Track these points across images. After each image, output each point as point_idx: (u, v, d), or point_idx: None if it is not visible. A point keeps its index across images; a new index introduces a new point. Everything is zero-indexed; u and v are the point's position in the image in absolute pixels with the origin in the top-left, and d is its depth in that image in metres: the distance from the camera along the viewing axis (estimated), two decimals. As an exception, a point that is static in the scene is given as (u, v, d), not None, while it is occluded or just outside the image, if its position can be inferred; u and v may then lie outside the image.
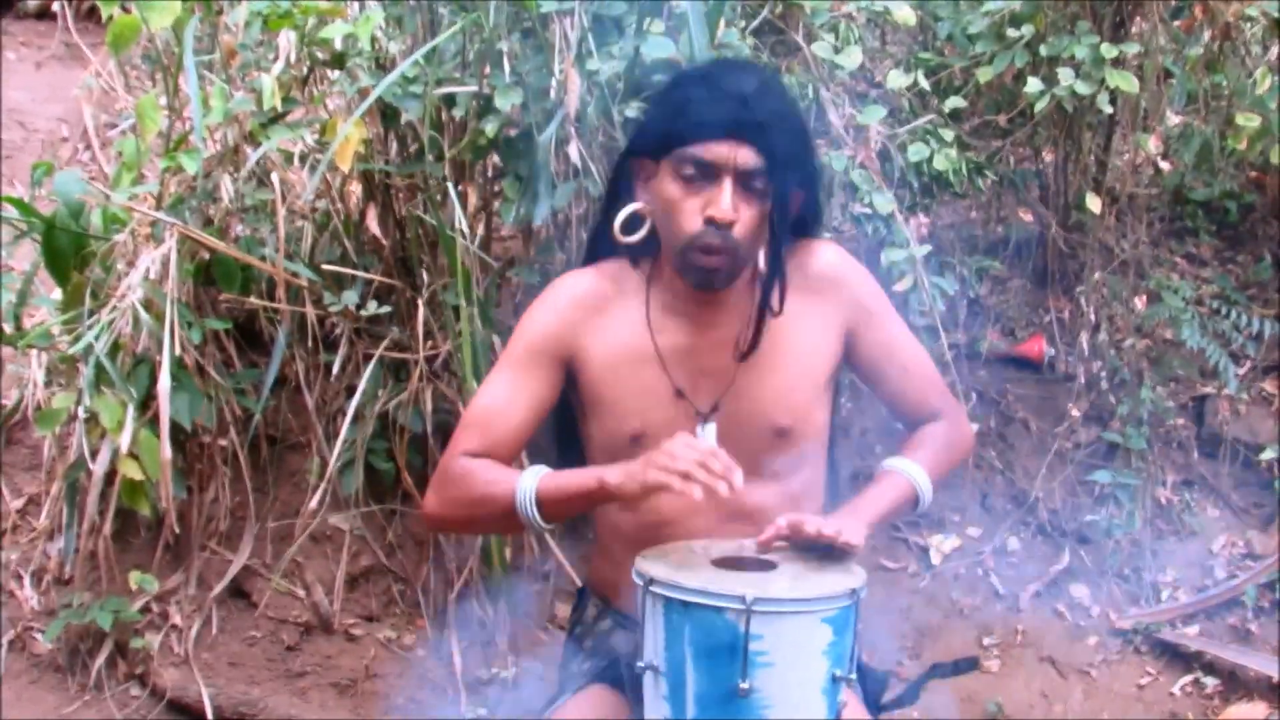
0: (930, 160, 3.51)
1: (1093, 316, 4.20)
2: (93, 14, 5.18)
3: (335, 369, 3.65)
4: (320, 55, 3.45)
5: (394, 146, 3.60)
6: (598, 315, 2.40)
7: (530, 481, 2.25)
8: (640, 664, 2.12)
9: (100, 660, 3.49)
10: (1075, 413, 4.21)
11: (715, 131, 2.22)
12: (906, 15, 3.52)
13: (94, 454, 3.38)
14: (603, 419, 2.41)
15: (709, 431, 2.38)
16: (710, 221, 2.23)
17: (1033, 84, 3.59)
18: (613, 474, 2.19)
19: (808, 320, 2.41)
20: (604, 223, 2.45)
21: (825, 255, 2.45)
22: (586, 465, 2.46)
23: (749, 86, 2.25)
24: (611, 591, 2.52)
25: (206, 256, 3.49)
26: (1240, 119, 3.90)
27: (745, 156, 2.22)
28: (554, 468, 2.32)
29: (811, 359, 2.42)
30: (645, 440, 2.33)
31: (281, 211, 3.41)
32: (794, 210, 2.36)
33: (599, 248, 2.49)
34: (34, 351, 3.60)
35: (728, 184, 2.23)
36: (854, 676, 2.16)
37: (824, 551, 2.22)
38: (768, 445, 2.39)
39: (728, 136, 2.22)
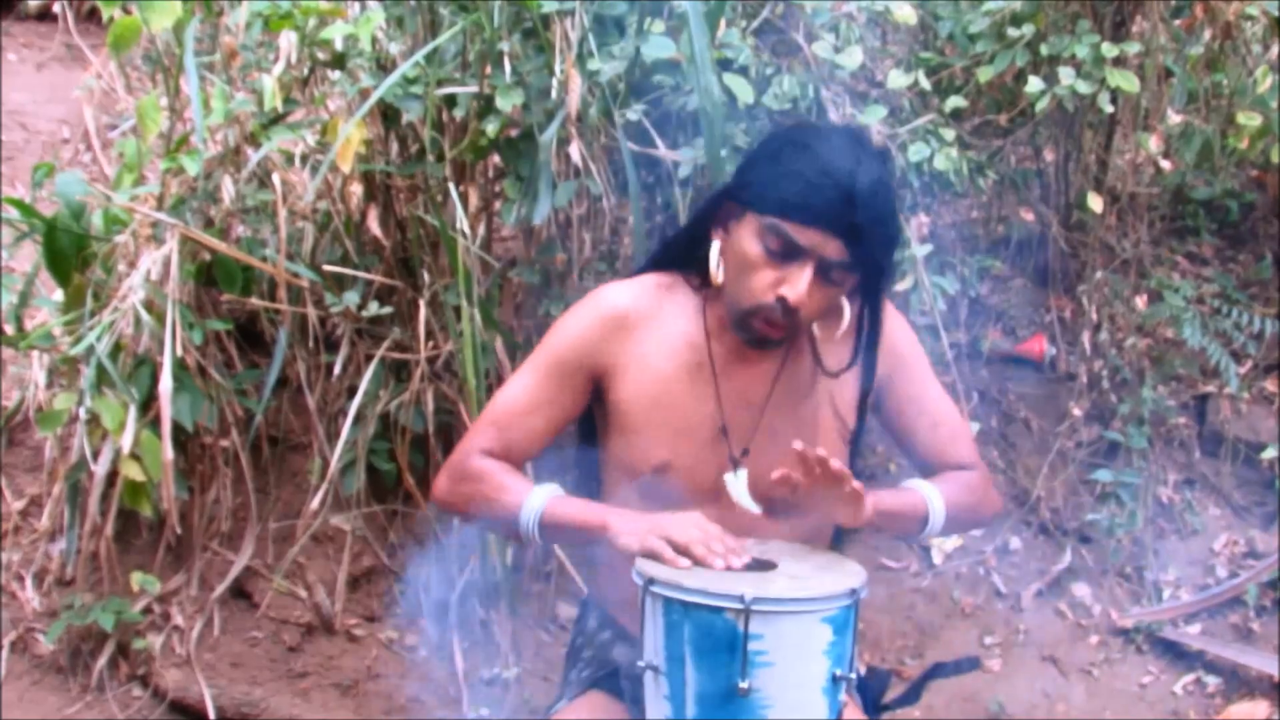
0: (931, 160, 3.50)
1: (1094, 315, 4.20)
2: (93, 15, 5.19)
3: (336, 369, 3.65)
4: (321, 56, 3.45)
5: (395, 147, 3.60)
6: (637, 331, 2.36)
7: (539, 502, 2.25)
8: (641, 663, 2.12)
9: (102, 661, 3.49)
10: (1076, 412, 4.21)
11: (813, 218, 2.17)
12: (907, 15, 3.52)
13: (95, 455, 3.38)
14: (628, 443, 2.37)
15: (740, 478, 2.35)
16: (781, 300, 2.20)
17: (1033, 83, 3.59)
18: (619, 523, 2.20)
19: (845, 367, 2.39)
20: (680, 244, 2.43)
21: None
22: (602, 484, 2.47)
23: (862, 181, 2.16)
24: (613, 605, 2.52)
25: (208, 257, 3.49)
26: (1241, 118, 3.90)
27: (834, 249, 2.18)
28: (573, 479, 2.32)
29: (843, 406, 2.40)
30: (670, 473, 2.33)
31: (282, 212, 3.41)
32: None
33: (661, 259, 2.47)
34: (35, 352, 3.61)
35: (809, 271, 2.19)
36: (854, 676, 2.15)
37: (824, 552, 2.22)
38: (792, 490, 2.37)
39: (821, 225, 2.17)
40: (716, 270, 2.30)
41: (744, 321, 2.26)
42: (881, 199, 2.20)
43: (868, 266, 2.24)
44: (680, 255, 2.40)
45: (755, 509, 2.33)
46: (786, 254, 2.19)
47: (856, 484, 2.15)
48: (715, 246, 2.32)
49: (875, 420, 2.50)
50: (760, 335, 2.27)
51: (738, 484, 2.35)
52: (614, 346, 2.36)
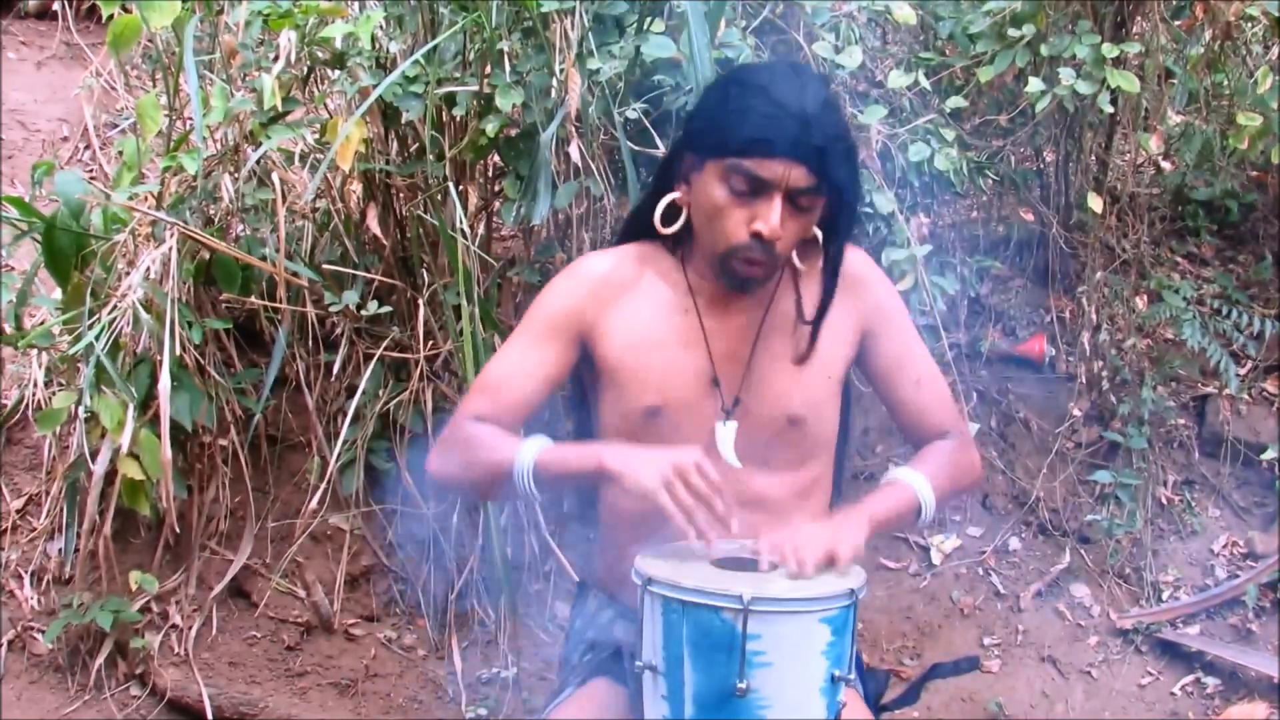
0: (931, 160, 3.50)
1: (1094, 316, 4.20)
2: (93, 14, 5.18)
3: (336, 369, 3.65)
4: (321, 55, 3.45)
5: (394, 146, 3.60)
6: (620, 294, 2.39)
7: (530, 452, 2.24)
8: (639, 663, 2.12)
9: (100, 660, 3.49)
10: (1076, 412, 4.21)
11: (773, 149, 2.19)
12: (907, 15, 3.52)
13: (94, 454, 3.38)
14: (620, 390, 2.39)
15: (729, 429, 2.37)
16: (755, 235, 2.23)
17: (1034, 83, 3.58)
18: (613, 458, 2.18)
19: (828, 316, 2.41)
20: (644, 209, 2.45)
21: (852, 258, 2.43)
22: (595, 438, 2.47)
23: (810, 104, 2.20)
24: (614, 583, 2.51)
25: (207, 256, 3.49)
26: (1241, 118, 3.90)
27: (798, 176, 2.20)
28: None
29: (828, 354, 2.41)
30: (661, 415, 2.35)
31: (282, 211, 3.41)
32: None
33: (632, 230, 2.49)
34: (34, 351, 3.61)
35: (778, 201, 2.21)
36: (853, 676, 2.15)
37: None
38: (781, 434, 2.39)
39: (784, 154, 2.19)
40: (669, 218, 2.35)
41: (724, 265, 2.29)
42: (833, 119, 2.25)
43: (834, 188, 2.26)
44: (649, 222, 2.40)
45: (736, 463, 2.35)
46: (753, 190, 2.22)
47: (849, 545, 2.17)
48: (668, 197, 2.35)
49: (859, 373, 2.53)
50: (743, 276, 2.29)
51: (726, 435, 2.37)
52: (598, 306, 2.39)
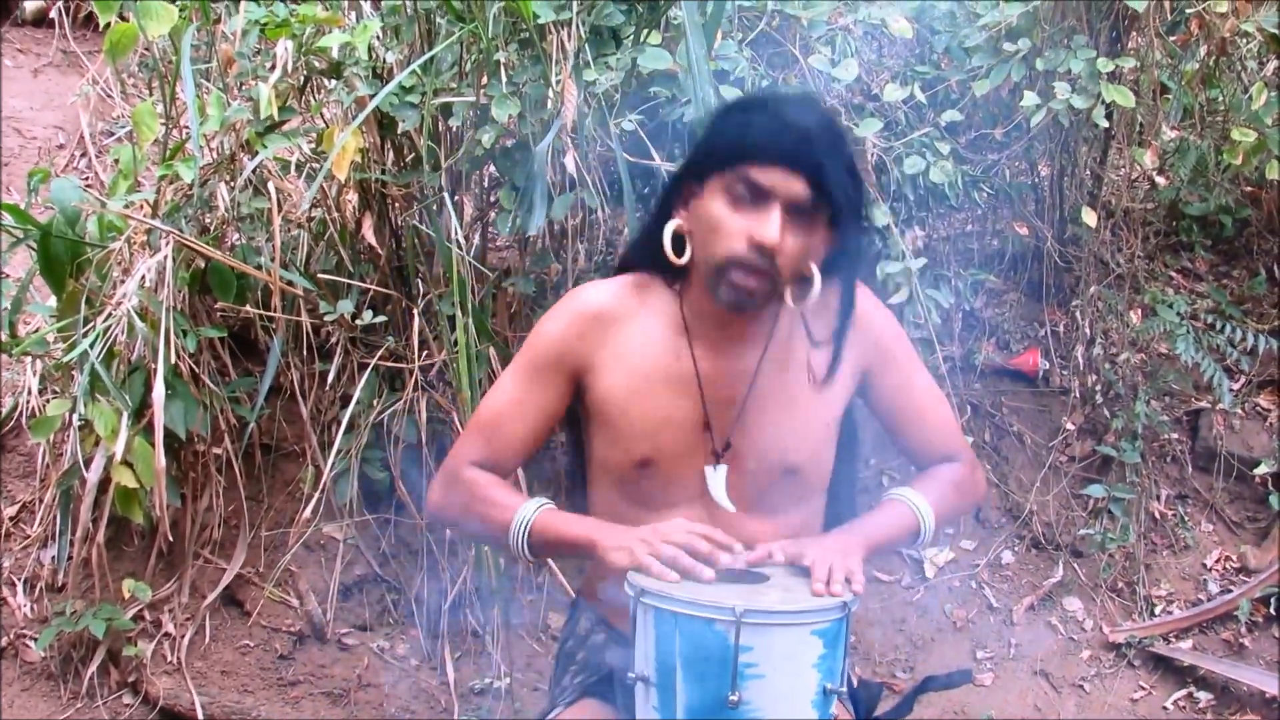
0: (926, 173, 3.50)
1: (1088, 330, 4.20)
2: (90, 21, 5.20)
3: (330, 378, 3.65)
4: (317, 64, 3.46)
5: (390, 156, 3.60)
6: (616, 330, 2.37)
7: (527, 516, 2.25)
8: (631, 675, 2.11)
9: (93, 668, 3.49)
10: (1070, 426, 4.21)
11: (772, 157, 2.19)
12: (903, 28, 3.53)
13: (88, 461, 3.38)
14: (611, 440, 2.38)
15: (719, 474, 2.36)
16: (754, 245, 2.21)
17: (1029, 98, 3.59)
18: (607, 539, 2.19)
19: (825, 357, 2.40)
20: (644, 237, 2.43)
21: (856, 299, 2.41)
22: (589, 484, 2.47)
23: (810, 120, 2.22)
24: (605, 607, 2.51)
25: (202, 264, 3.49)
26: (1236, 134, 3.90)
27: (797, 187, 2.19)
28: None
29: (824, 398, 2.39)
30: (653, 465, 2.34)
31: (277, 220, 3.41)
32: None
33: (632, 260, 2.48)
34: (29, 358, 3.61)
35: (776, 210, 2.19)
36: (845, 690, 2.15)
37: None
38: (776, 483, 2.37)
39: (784, 164, 2.19)
40: (674, 246, 2.32)
41: (722, 277, 2.24)
42: (835, 139, 2.25)
43: (835, 209, 2.24)
44: (649, 252, 2.39)
45: (730, 507, 2.34)
46: (753, 199, 2.21)
47: (850, 586, 2.15)
48: (672, 224, 2.32)
49: (866, 411, 2.52)
50: (740, 289, 2.24)
51: (717, 479, 2.36)
52: (592, 343, 2.36)
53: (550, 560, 3.61)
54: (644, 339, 2.37)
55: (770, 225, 2.19)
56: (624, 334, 2.37)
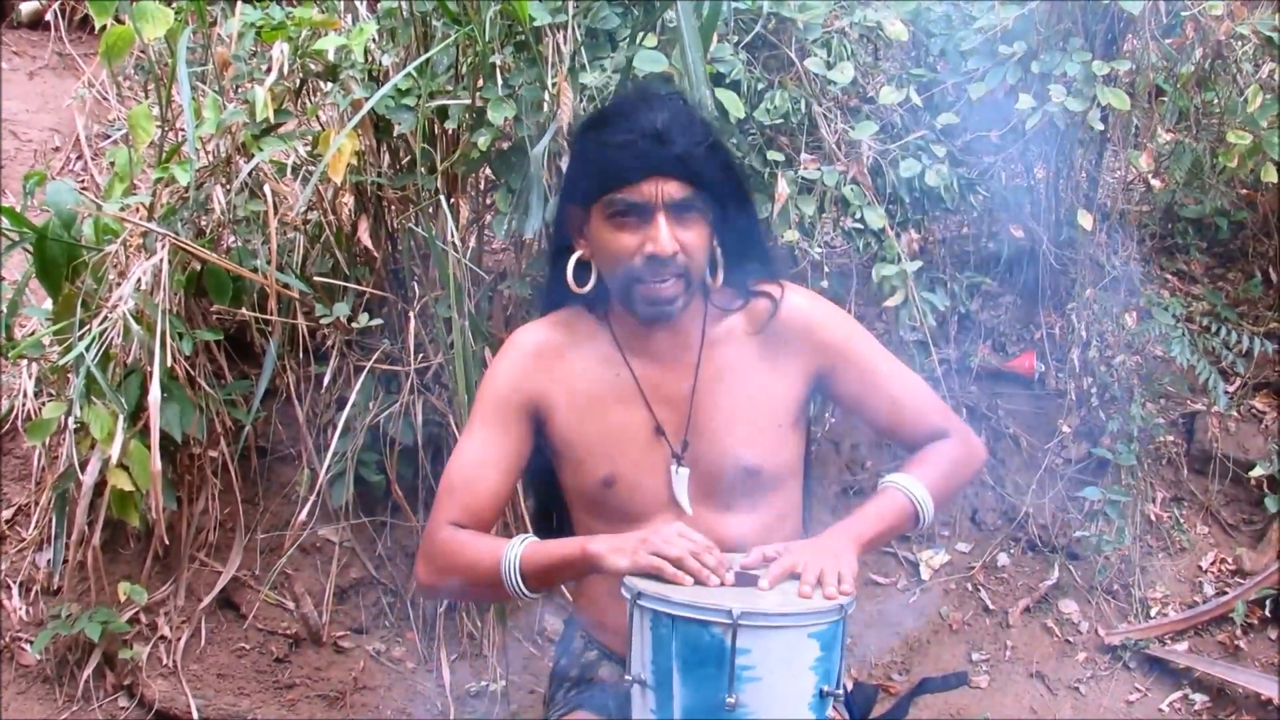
0: (922, 176, 3.51)
1: (1083, 333, 4.19)
2: (86, 24, 5.19)
3: (326, 381, 3.65)
4: (313, 67, 3.45)
5: (386, 159, 3.60)
6: (558, 362, 2.41)
7: (514, 552, 2.25)
8: (628, 677, 2.12)
9: (88, 671, 3.48)
10: (1065, 429, 4.21)
11: (637, 173, 2.22)
12: (899, 31, 3.53)
13: (84, 464, 3.38)
14: (575, 466, 2.42)
15: (682, 476, 2.38)
16: (650, 258, 2.24)
17: (1025, 100, 3.59)
18: (597, 544, 2.20)
19: (770, 365, 2.41)
20: (553, 275, 2.46)
21: (791, 301, 2.42)
22: (568, 512, 2.50)
23: (660, 121, 2.24)
24: (596, 627, 2.52)
25: (198, 267, 3.49)
26: (1231, 136, 3.90)
27: (672, 189, 2.23)
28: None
29: (772, 404, 2.40)
30: (617, 481, 2.37)
31: (273, 223, 3.41)
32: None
33: (552, 299, 2.50)
34: (24, 361, 3.60)
35: (661, 220, 2.24)
36: (841, 692, 2.15)
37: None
38: (739, 483, 2.39)
39: (651, 174, 2.22)
40: (581, 274, 2.37)
41: (635, 295, 2.29)
42: (688, 127, 2.27)
43: (713, 192, 2.28)
44: (565, 288, 2.41)
45: (688, 508, 2.37)
46: (636, 216, 2.24)
47: (842, 586, 2.15)
48: (574, 256, 2.37)
49: (838, 409, 2.53)
50: (654, 300, 2.28)
51: (680, 482, 2.38)
52: (541, 376, 2.40)
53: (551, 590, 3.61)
54: (584, 364, 2.41)
55: (660, 237, 2.24)
56: (564, 363, 2.41)
